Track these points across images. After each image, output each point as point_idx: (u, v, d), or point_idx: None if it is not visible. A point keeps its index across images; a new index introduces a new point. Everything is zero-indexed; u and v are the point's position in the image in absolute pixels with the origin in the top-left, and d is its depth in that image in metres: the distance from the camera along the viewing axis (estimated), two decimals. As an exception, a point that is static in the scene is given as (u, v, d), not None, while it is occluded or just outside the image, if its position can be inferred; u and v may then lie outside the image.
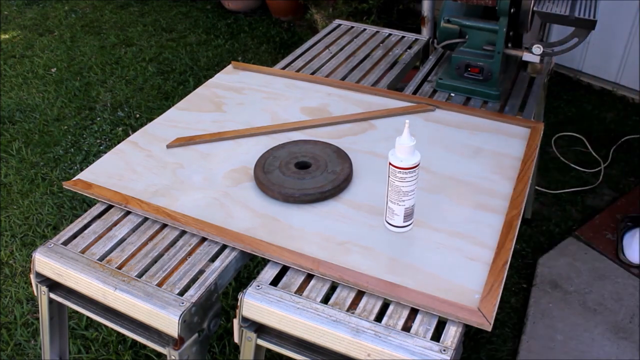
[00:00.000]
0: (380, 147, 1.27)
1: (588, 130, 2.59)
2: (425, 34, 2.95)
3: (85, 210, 1.30)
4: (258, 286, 0.96)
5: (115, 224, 1.12)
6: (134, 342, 1.70)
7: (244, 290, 0.95)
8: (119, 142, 1.33)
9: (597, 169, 2.35)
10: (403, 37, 1.86)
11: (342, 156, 1.22)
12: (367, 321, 0.90)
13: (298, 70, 1.65)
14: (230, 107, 1.45)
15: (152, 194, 1.17)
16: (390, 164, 0.99)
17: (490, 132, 1.33)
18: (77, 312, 1.34)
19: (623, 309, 1.76)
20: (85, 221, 1.13)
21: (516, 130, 1.33)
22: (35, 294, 1.10)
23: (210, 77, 1.59)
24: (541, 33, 2.87)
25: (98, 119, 2.86)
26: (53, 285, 1.08)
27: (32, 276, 1.08)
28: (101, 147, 2.63)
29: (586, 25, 1.37)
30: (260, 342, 0.97)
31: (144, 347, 1.68)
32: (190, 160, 1.26)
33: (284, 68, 1.66)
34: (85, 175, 1.22)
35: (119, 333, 1.70)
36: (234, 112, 1.43)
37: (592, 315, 1.74)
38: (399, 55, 1.74)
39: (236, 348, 1.65)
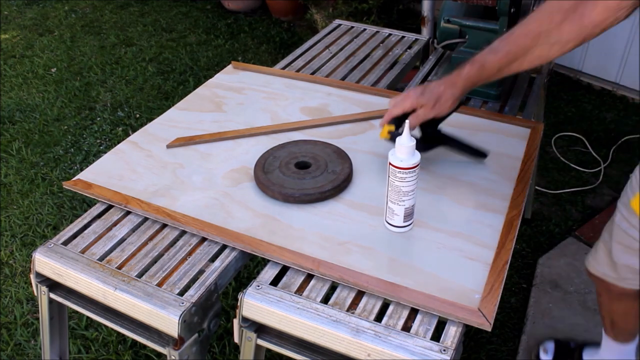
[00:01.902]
0: (380, 147, 1.27)
1: (588, 130, 2.59)
2: (425, 34, 2.96)
3: (85, 210, 1.30)
4: (258, 286, 0.96)
5: (115, 224, 1.12)
6: (134, 342, 1.70)
7: (244, 290, 0.95)
8: (119, 142, 1.33)
9: (597, 169, 2.35)
10: (403, 37, 1.86)
11: (342, 156, 1.22)
12: (367, 321, 0.90)
13: (298, 70, 1.65)
14: (230, 107, 1.45)
15: (152, 194, 1.17)
16: (390, 164, 0.99)
17: (490, 132, 1.33)
18: (77, 312, 1.34)
19: (623, 309, 1.76)
20: (85, 221, 1.13)
21: (516, 130, 1.33)
22: (35, 294, 1.10)
23: (210, 77, 1.59)
24: (541, 33, 2.86)
25: (98, 119, 2.86)
26: (53, 285, 1.08)
27: (32, 276, 1.08)
28: (101, 147, 2.63)
29: (586, 25, 1.37)
30: (260, 342, 0.97)
31: (144, 347, 1.68)
32: (190, 160, 1.26)
33: (284, 68, 1.66)
34: (85, 175, 1.22)
35: (119, 333, 1.70)
36: (234, 112, 1.43)
37: (592, 315, 1.74)
38: (399, 55, 1.74)
39: (236, 348, 1.65)
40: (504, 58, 1.00)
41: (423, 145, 1.03)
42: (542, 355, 1.60)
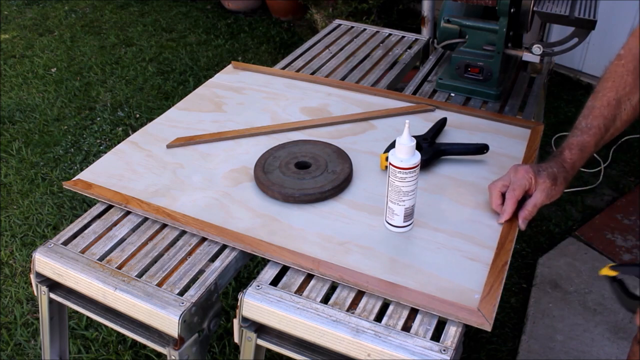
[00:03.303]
0: (380, 147, 1.27)
1: (588, 130, 2.58)
2: (425, 34, 2.95)
3: (85, 210, 1.30)
4: (258, 286, 0.96)
5: (115, 224, 1.12)
6: (134, 342, 1.70)
7: (244, 290, 0.95)
8: (119, 142, 1.33)
9: (597, 169, 2.35)
10: (403, 37, 1.86)
11: (342, 156, 1.22)
12: (367, 321, 0.90)
13: (298, 70, 1.65)
14: (230, 107, 1.45)
15: (152, 194, 1.17)
16: (390, 164, 0.99)
17: (490, 132, 1.33)
18: (77, 312, 1.34)
19: (623, 309, 1.76)
20: (85, 221, 1.13)
21: (516, 130, 1.33)
22: (35, 294, 1.10)
23: (210, 77, 1.59)
24: (541, 33, 2.87)
25: (98, 119, 2.86)
26: (53, 285, 1.08)
27: (32, 276, 1.08)
28: (101, 147, 2.63)
29: (586, 25, 1.37)
30: (260, 342, 0.97)
31: (144, 347, 1.68)
32: (190, 160, 1.26)
33: (284, 68, 1.66)
34: (85, 175, 1.22)
35: (119, 333, 1.70)
36: (234, 112, 1.43)
37: (592, 315, 1.74)
38: (399, 55, 1.74)
39: (236, 348, 1.65)
40: (598, 133, 1.02)
41: (423, 161, 1.03)
42: None
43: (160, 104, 2.94)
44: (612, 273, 0.89)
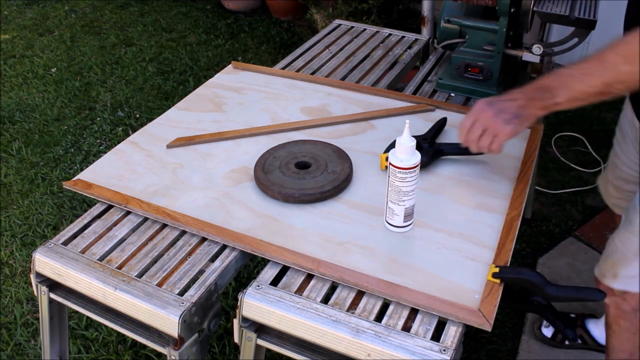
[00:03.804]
0: (380, 147, 1.27)
1: (588, 130, 2.59)
2: (425, 34, 2.95)
3: (85, 210, 1.30)
4: (258, 286, 0.96)
5: (115, 224, 1.12)
6: (134, 342, 1.70)
7: (244, 290, 0.95)
8: (119, 142, 1.33)
9: (597, 169, 2.35)
10: (403, 37, 1.86)
11: (342, 156, 1.22)
12: (367, 321, 0.90)
13: (298, 70, 1.65)
14: (230, 107, 1.45)
15: (152, 194, 1.17)
16: (390, 164, 0.99)
17: (490, 132, 1.33)
18: (77, 312, 1.34)
19: (623, 309, 1.76)
20: (85, 221, 1.13)
21: (516, 130, 1.33)
22: (35, 294, 1.10)
23: (210, 77, 1.59)
24: (541, 33, 2.87)
25: (98, 119, 2.86)
26: (53, 285, 1.08)
27: (32, 276, 1.08)
28: (101, 147, 2.63)
29: (586, 25, 1.37)
30: (260, 342, 0.97)
31: (144, 347, 1.68)
32: (190, 160, 1.26)
33: (284, 68, 1.66)
34: (85, 175, 1.22)
35: (119, 333, 1.70)
36: (234, 112, 1.43)
37: (592, 315, 1.74)
38: (399, 55, 1.74)
39: (236, 348, 1.65)
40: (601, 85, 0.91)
41: (423, 161, 1.04)
42: (544, 329, 1.63)
43: (160, 104, 2.94)
44: (495, 280, 0.94)
